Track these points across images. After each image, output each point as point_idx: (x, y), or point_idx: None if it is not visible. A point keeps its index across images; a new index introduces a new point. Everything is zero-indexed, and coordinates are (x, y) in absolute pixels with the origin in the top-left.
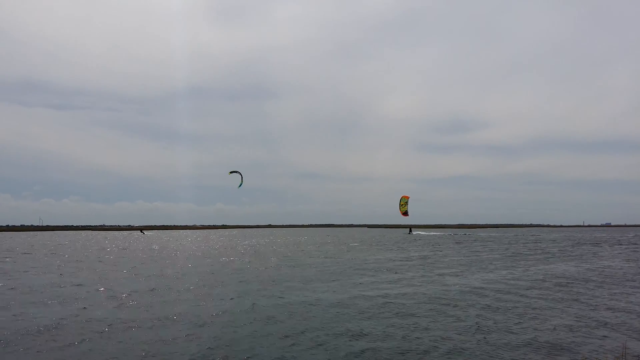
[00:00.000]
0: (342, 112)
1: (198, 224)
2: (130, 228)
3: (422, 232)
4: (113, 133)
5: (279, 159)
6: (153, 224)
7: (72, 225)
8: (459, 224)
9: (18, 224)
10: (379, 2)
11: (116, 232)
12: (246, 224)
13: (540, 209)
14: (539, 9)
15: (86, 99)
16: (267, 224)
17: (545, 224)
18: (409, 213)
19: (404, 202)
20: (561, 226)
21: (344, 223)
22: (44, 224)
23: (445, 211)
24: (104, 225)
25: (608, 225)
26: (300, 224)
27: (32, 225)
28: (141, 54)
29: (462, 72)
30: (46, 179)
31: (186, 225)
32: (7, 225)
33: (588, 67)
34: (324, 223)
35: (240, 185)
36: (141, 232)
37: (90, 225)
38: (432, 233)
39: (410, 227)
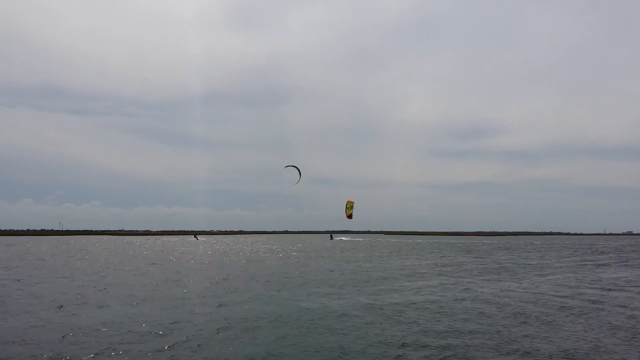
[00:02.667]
0: (358, 118)
1: (215, 229)
2: (148, 233)
3: (343, 238)
4: (131, 138)
5: (295, 164)
6: (171, 229)
7: (92, 230)
8: (477, 232)
9: (38, 228)
10: (395, 8)
11: (166, 237)
12: (263, 230)
13: (559, 216)
14: (555, 15)
15: (104, 104)
16: (283, 230)
17: (565, 231)
18: (353, 216)
19: (349, 206)
20: (581, 234)
21: (361, 230)
22: (64, 229)
23: (461, 218)
24: (123, 230)
25: (629, 234)
26: (317, 230)
27: (52, 230)
28: (158, 60)
29: (479, 79)
30: (67, 184)
31: (204, 231)
32: (28, 230)
33: (606, 72)
34: (340, 229)
35: (298, 182)
36: (195, 237)
37: (109, 230)
38: (357, 239)
39: (331, 233)
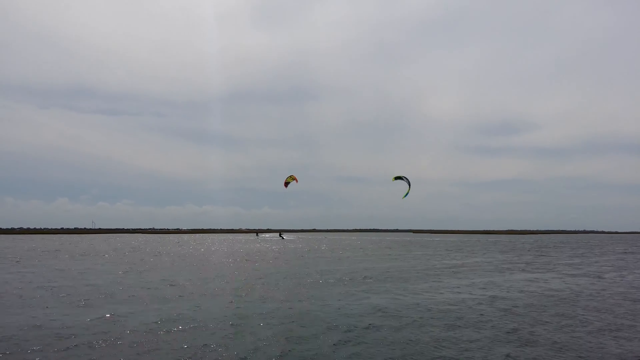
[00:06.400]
0: (385, 115)
1: (244, 227)
2: (179, 231)
3: (291, 237)
4: (162, 138)
5: (321, 162)
6: (201, 228)
7: (124, 229)
8: (507, 230)
9: (72, 227)
10: (420, 2)
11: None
12: (291, 228)
13: (593, 214)
14: (585, 6)
15: (135, 104)
16: (311, 228)
17: (599, 230)
18: (286, 186)
19: (290, 179)
20: (616, 232)
21: (388, 228)
22: (97, 227)
23: (491, 215)
24: (154, 229)
25: None
26: (345, 228)
27: (85, 229)
28: (186, 60)
29: (508, 72)
30: (101, 183)
31: (232, 229)
32: (62, 228)
33: (639, 65)
34: (368, 228)
35: (405, 196)
36: (280, 236)
37: (141, 229)
38: (305, 236)
39: (280, 232)
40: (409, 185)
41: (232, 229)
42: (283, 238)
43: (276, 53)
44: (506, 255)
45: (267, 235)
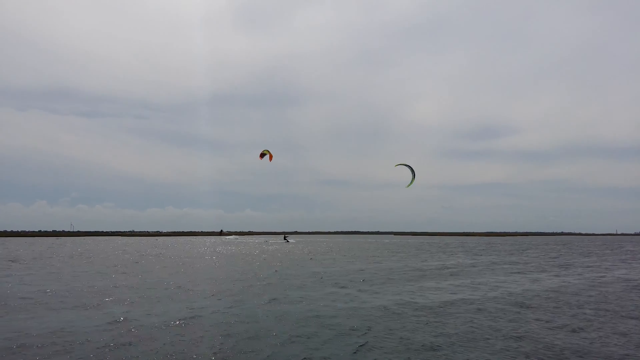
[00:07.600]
0: (368, 119)
1: (225, 230)
2: (159, 234)
3: (292, 241)
4: (142, 140)
5: (305, 166)
6: (182, 230)
7: (103, 231)
8: (487, 232)
9: (50, 229)
10: (404, 8)
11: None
12: (273, 231)
13: (571, 216)
14: (565, 13)
15: (114, 106)
16: (293, 231)
17: (577, 232)
18: (261, 157)
19: (266, 152)
20: (593, 234)
21: (370, 230)
22: (75, 230)
23: (473, 219)
24: (134, 231)
25: None
26: (327, 230)
27: (63, 231)
28: (167, 62)
29: (489, 78)
30: (80, 186)
31: (213, 232)
32: (40, 231)
33: (617, 71)
34: (350, 230)
35: (410, 184)
36: (285, 239)
37: (120, 231)
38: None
39: (285, 235)
40: (413, 173)
41: (213, 232)
42: (288, 241)
43: (260, 57)
44: (487, 257)
45: (230, 237)
